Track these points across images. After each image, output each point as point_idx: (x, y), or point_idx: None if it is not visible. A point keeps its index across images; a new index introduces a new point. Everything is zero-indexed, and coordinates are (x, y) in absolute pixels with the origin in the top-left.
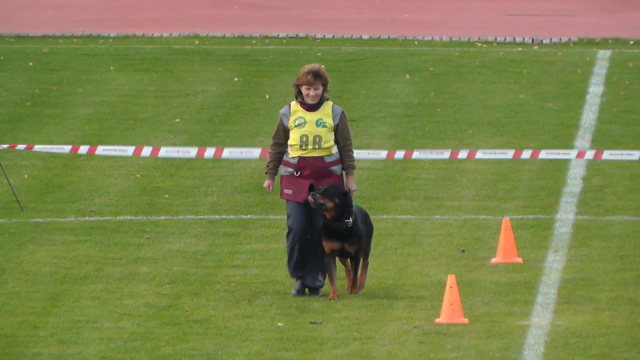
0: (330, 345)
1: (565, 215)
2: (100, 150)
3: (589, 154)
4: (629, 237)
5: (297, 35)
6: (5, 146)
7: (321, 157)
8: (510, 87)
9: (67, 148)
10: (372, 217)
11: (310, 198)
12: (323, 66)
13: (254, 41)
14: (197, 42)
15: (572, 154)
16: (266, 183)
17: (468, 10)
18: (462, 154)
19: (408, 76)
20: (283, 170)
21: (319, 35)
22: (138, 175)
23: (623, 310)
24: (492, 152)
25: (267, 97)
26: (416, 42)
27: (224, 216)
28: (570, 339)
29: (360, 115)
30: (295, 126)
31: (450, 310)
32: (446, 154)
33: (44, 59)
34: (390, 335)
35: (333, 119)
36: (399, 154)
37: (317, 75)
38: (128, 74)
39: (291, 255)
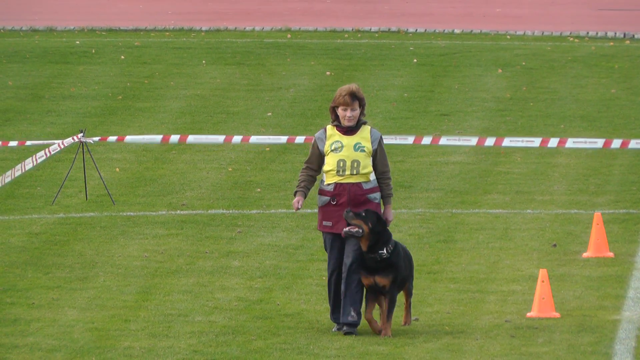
0: (422, 340)
1: None
2: (192, 139)
3: None
4: None
5: (389, 29)
6: (96, 139)
7: (359, 184)
8: (602, 82)
9: (158, 138)
10: (464, 211)
11: (344, 229)
12: (359, 87)
13: (346, 35)
14: (289, 35)
15: None
16: (295, 199)
17: (560, 4)
18: (553, 142)
19: (500, 70)
20: (319, 200)
21: (411, 30)
22: (230, 169)
23: None
24: (583, 141)
25: None
26: (508, 37)
27: (315, 210)
28: None
29: (452, 109)
30: (332, 151)
31: (541, 304)
32: (537, 142)
33: (135, 52)
34: (482, 329)
35: (372, 143)
36: (490, 141)
37: (354, 96)
38: (220, 68)
39: (335, 298)
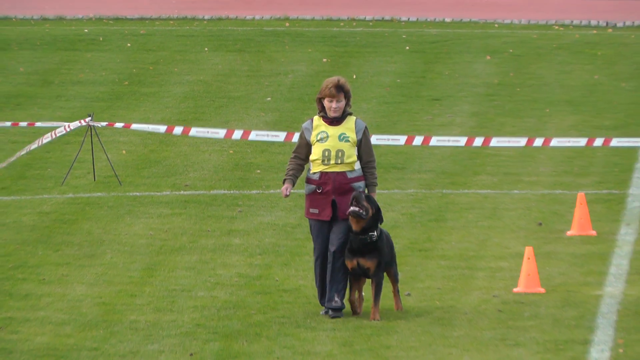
0: (414, 314)
1: (638, 190)
2: (194, 131)
3: None
4: None
5: (383, 18)
6: (104, 124)
7: (343, 173)
8: (586, 68)
9: (162, 128)
10: (454, 192)
11: (351, 208)
12: (345, 79)
13: (341, 23)
14: (287, 24)
15: None
16: (284, 186)
17: None
18: (538, 142)
19: (489, 57)
20: (306, 188)
21: (404, 18)
22: (231, 152)
23: None
24: (567, 140)
25: (354, 77)
26: (496, 25)
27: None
28: None
29: (443, 94)
30: (318, 140)
31: (528, 280)
32: (522, 142)
33: (141, 40)
34: (471, 304)
35: (356, 134)
36: (478, 141)
37: (339, 88)
38: (221, 54)
39: (321, 282)
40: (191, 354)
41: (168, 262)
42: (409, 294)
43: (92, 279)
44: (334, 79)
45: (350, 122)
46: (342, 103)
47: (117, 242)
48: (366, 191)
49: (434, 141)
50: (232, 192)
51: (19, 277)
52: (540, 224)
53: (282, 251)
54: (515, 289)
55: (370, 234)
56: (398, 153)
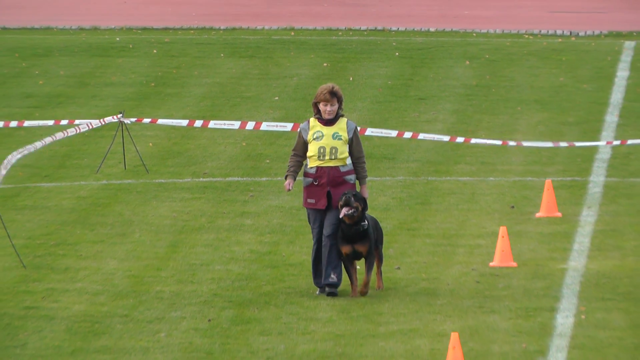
0: (403, 285)
1: (597, 177)
2: (213, 124)
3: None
4: None
5: (375, 28)
6: (133, 120)
7: (336, 167)
8: (552, 72)
9: (184, 123)
10: (437, 179)
11: (344, 210)
12: (338, 86)
13: (340, 33)
14: (292, 33)
15: (601, 144)
16: (287, 182)
17: (518, 7)
18: (512, 144)
19: (468, 62)
20: (304, 181)
21: (394, 28)
22: (244, 144)
23: None
24: (537, 144)
25: (351, 79)
26: (474, 34)
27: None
28: (601, 280)
29: (428, 94)
30: (314, 139)
31: (502, 255)
32: (499, 142)
33: (165, 47)
34: (452, 277)
35: (348, 133)
36: (459, 140)
37: (333, 94)
38: (235, 60)
39: (315, 265)
40: (209, 320)
41: (189, 240)
42: (398, 268)
43: (123, 254)
44: (328, 85)
45: (342, 123)
46: (336, 107)
47: (144, 223)
48: (357, 184)
49: (422, 136)
50: (244, 179)
51: (59, 253)
52: (512, 207)
53: (288, 230)
54: (491, 263)
55: (362, 224)
56: (389, 145)
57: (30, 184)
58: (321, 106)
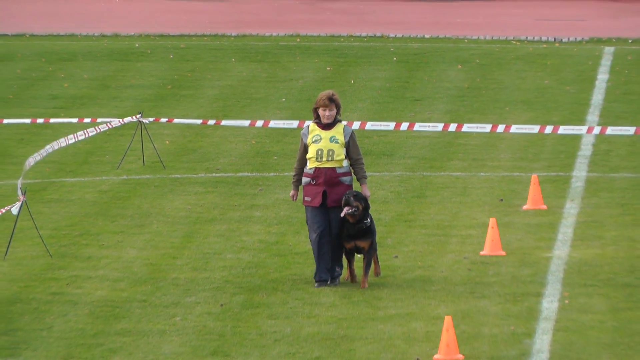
0: (401, 272)
1: (580, 172)
2: (224, 123)
3: (596, 130)
4: (629, 190)
5: (375, 34)
6: (151, 119)
7: (333, 169)
8: (538, 75)
9: (198, 122)
10: (432, 174)
11: (345, 209)
12: (337, 94)
13: (342, 39)
14: (298, 39)
15: (583, 129)
16: (291, 193)
17: (506, 16)
18: (500, 128)
19: (460, 66)
20: (304, 180)
21: (392, 35)
22: (253, 142)
23: (624, 245)
24: (523, 127)
25: (352, 82)
26: (466, 40)
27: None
28: (583, 267)
29: (423, 95)
30: (313, 142)
31: (491, 245)
32: (487, 128)
33: (181, 52)
34: (446, 264)
35: (344, 137)
36: (452, 127)
37: (331, 100)
38: (245, 64)
39: (318, 260)
40: (221, 305)
41: (202, 231)
42: (396, 257)
43: (141, 244)
44: (327, 92)
45: (339, 128)
46: (334, 112)
47: (161, 215)
48: (358, 183)
49: (417, 127)
50: (254, 174)
51: (82, 243)
52: (501, 200)
53: (294, 222)
54: (481, 252)
55: (365, 221)
56: (387, 143)
57: (55, 179)
58: (320, 111)
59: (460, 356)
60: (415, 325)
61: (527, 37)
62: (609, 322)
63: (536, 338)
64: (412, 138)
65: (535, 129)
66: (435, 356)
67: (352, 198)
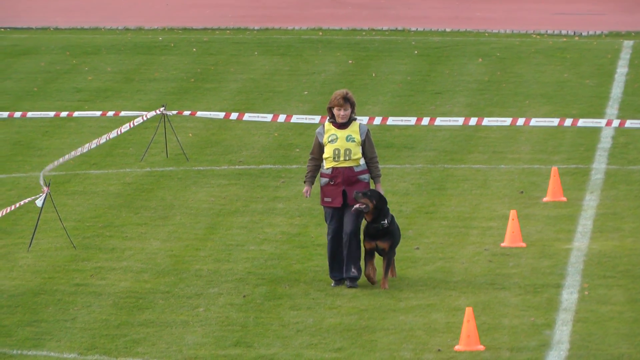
0: (422, 263)
1: (599, 165)
2: (247, 117)
3: (615, 123)
4: None
5: (396, 28)
6: (174, 112)
7: (351, 167)
8: (557, 69)
9: (221, 115)
10: (452, 167)
11: (355, 206)
12: (351, 93)
13: (363, 33)
14: (320, 33)
15: (602, 122)
16: (305, 189)
17: (525, 10)
18: (520, 122)
19: (480, 60)
20: (322, 181)
21: (412, 29)
22: (275, 134)
23: None
24: (542, 120)
25: (374, 75)
26: (486, 34)
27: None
28: (603, 259)
29: (443, 89)
30: (329, 142)
31: (512, 236)
32: (508, 122)
33: (204, 46)
34: (466, 256)
35: (360, 135)
36: (473, 121)
37: (346, 99)
38: (268, 57)
39: (331, 259)
40: (244, 296)
41: (225, 222)
42: (417, 248)
43: (165, 235)
44: (342, 91)
45: (355, 126)
46: (349, 111)
47: (184, 207)
48: (372, 182)
49: (438, 121)
50: (276, 166)
51: (106, 235)
52: (521, 192)
53: (316, 214)
54: (502, 244)
55: (382, 222)
56: (408, 136)
57: (80, 171)
58: (335, 110)
59: (481, 347)
60: (436, 317)
61: (546, 31)
62: (628, 313)
63: (556, 329)
64: (432, 131)
65: (554, 122)
66: (456, 347)
67: (360, 194)
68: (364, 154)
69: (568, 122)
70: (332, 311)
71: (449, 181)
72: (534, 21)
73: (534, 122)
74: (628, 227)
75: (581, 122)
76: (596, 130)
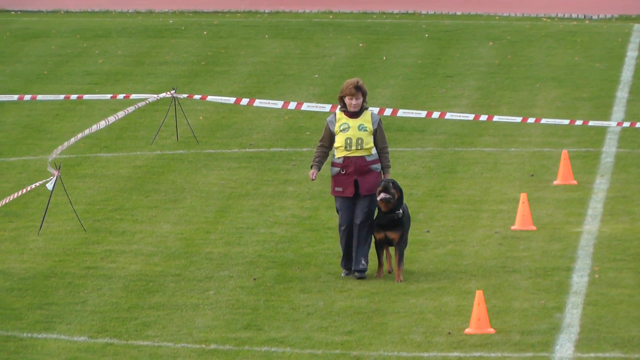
0: (432, 247)
1: (610, 148)
2: (258, 103)
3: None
4: None
5: (407, 11)
6: (185, 95)
7: (363, 157)
8: (568, 52)
9: (231, 99)
10: (463, 150)
11: (381, 195)
12: (362, 81)
13: (374, 16)
14: (331, 16)
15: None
16: (311, 172)
17: None
18: (530, 120)
19: (491, 43)
20: (332, 170)
21: (423, 12)
22: (286, 117)
23: None
24: (553, 121)
25: (384, 58)
26: (497, 17)
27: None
28: (613, 242)
29: (454, 72)
30: (341, 131)
31: (522, 220)
32: (518, 119)
33: (214, 29)
34: (477, 239)
35: (372, 125)
36: (483, 118)
37: (357, 88)
38: (278, 41)
39: (346, 251)
40: (254, 279)
41: (236, 206)
42: (428, 231)
43: (175, 219)
44: (353, 80)
45: (367, 115)
46: (360, 100)
47: (195, 190)
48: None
49: (448, 115)
50: (287, 149)
51: (117, 218)
52: (532, 175)
53: (327, 197)
54: (512, 227)
55: (397, 212)
56: (419, 119)
57: (90, 154)
58: (347, 100)
59: (492, 330)
60: (447, 300)
61: (557, 14)
62: (638, 296)
63: (566, 312)
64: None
65: (565, 122)
66: (467, 330)
67: (391, 184)
68: (375, 144)
69: (578, 122)
70: (342, 294)
71: (460, 164)
72: (545, 5)
73: (543, 121)
74: (638, 210)
75: (590, 123)
76: (607, 114)
